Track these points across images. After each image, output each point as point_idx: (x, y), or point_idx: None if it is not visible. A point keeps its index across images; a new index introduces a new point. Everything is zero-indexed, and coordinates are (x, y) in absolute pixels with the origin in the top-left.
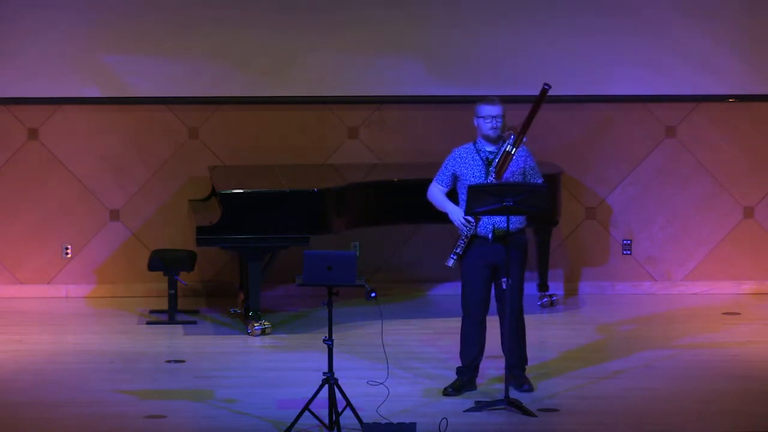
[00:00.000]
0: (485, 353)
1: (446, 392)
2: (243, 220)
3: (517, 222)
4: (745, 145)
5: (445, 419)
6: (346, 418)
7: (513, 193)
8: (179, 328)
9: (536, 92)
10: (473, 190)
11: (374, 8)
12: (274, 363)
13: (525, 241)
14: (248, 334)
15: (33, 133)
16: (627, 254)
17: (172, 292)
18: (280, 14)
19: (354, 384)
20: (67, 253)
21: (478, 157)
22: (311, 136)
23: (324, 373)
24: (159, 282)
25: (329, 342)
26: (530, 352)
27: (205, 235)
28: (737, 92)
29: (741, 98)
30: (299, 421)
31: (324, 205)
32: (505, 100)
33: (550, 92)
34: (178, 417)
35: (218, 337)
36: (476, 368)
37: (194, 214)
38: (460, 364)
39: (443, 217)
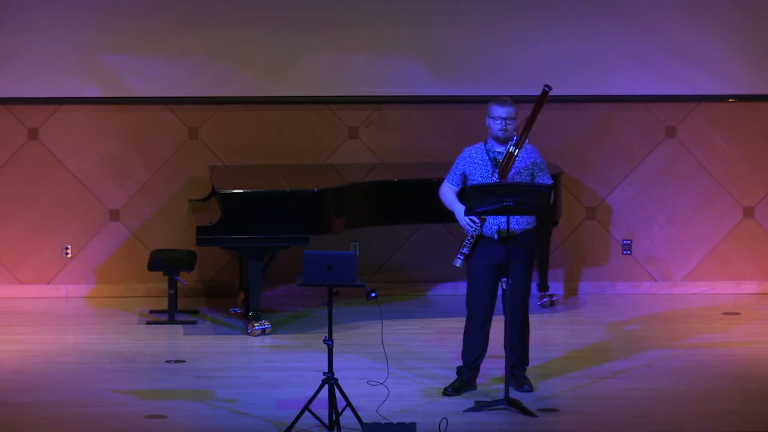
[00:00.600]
0: (486, 353)
1: (446, 392)
2: (243, 220)
3: (524, 223)
4: (745, 145)
5: (445, 419)
6: (346, 418)
7: (513, 193)
8: (179, 328)
9: (536, 92)
10: (473, 189)
11: (374, 8)
12: (274, 363)
13: (531, 241)
14: (248, 334)
15: (33, 133)
16: (627, 254)
17: (172, 292)
18: (280, 14)
19: (354, 384)
20: (67, 253)
21: (487, 157)
22: (311, 136)
23: (324, 373)
24: (159, 282)
25: (329, 342)
26: (530, 352)
27: (205, 235)
28: (737, 92)
29: (741, 98)
30: (299, 421)
31: (324, 205)
32: (490, 100)
33: (551, 92)
34: (178, 417)
35: (218, 337)
36: (477, 368)
37: (194, 214)
38: (461, 364)
39: (443, 217)
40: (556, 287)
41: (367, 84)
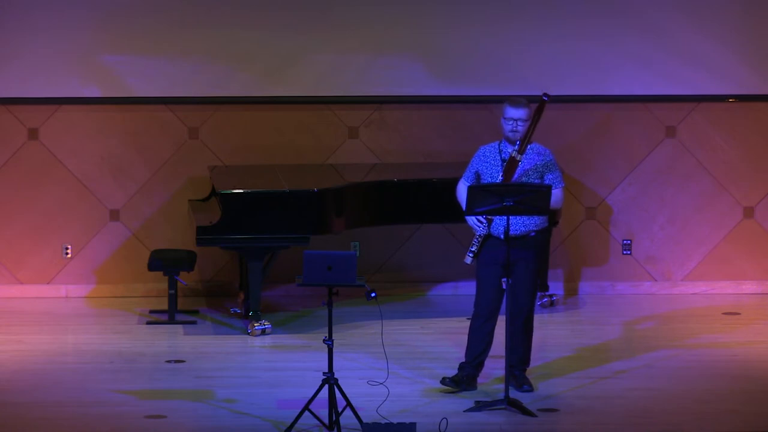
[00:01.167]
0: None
1: (443, 381)
2: (243, 220)
3: (531, 224)
4: (745, 145)
5: (445, 419)
6: (346, 418)
7: (513, 193)
8: (179, 328)
9: (536, 92)
10: (473, 189)
11: (374, 8)
12: (274, 363)
13: (539, 243)
14: (248, 334)
15: (33, 133)
16: (627, 254)
17: (172, 292)
18: (280, 14)
19: (354, 384)
20: (67, 253)
21: (498, 157)
22: (311, 136)
23: (324, 373)
24: (159, 282)
25: (329, 342)
26: (531, 352)
27: (205, 235)
28: (737, 92)
29: (741, 98)
30: (299, 421)
31: (324, 205)
32: (505, 100)
33: (551, 93)
34: (178, 417)
35: (218, 337)
36: (479, 366)
37: (194, 214)
38: (463, 361)
39: (443, 217)
40: (556, 287)
41: (367, 84)
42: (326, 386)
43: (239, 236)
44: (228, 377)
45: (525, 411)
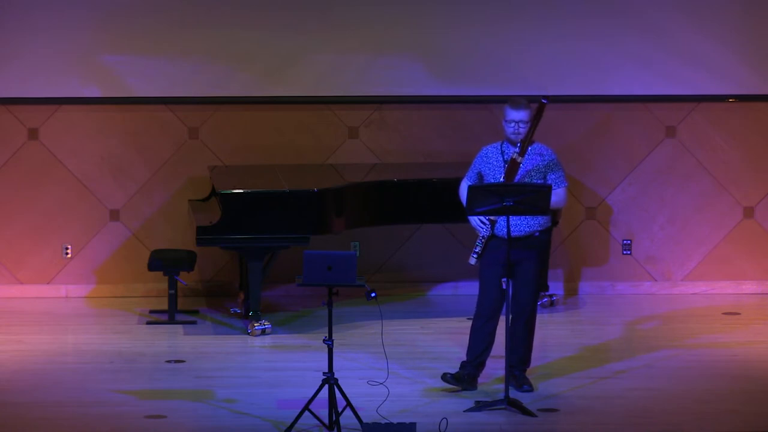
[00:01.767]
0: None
1: (444, 377)
2: (243, 220)
3: (535, 224)
4: (745, 145)
5: (445, 419)
6: (346, 418)
7: (513, 193)
8: (179, 328)
9: (536, 92)
10: (473, 189)
11: (374, 8)
12: (274, 363)
13: (542, 243)
14: (248, 334)
15: (33, 133)
16: (627, 254)
17: (172, 292)
18: (280, 14)
19: (354, 384)
20: (67, 253)
21: (501, 158)
22: (311, 136)
23: (324, 373)
24: (159, 282)
25: (329, 342)
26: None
27: (205, 235)
28: (737, 92)
29: (741, 98)
30: (299, 421)
31: (324, 205)
32: (505, 100)
33: (551, 93)
34: (178, 417)
35: (218, 337)
36: (481, 365)
37: (194, 214)
38: (464, 360)
39: (443, 217)
40: (556, 287)
41: (367, 84)
42: (326, 386)
43: (239, 236)
44: (228, 377)
45: (525, 411)
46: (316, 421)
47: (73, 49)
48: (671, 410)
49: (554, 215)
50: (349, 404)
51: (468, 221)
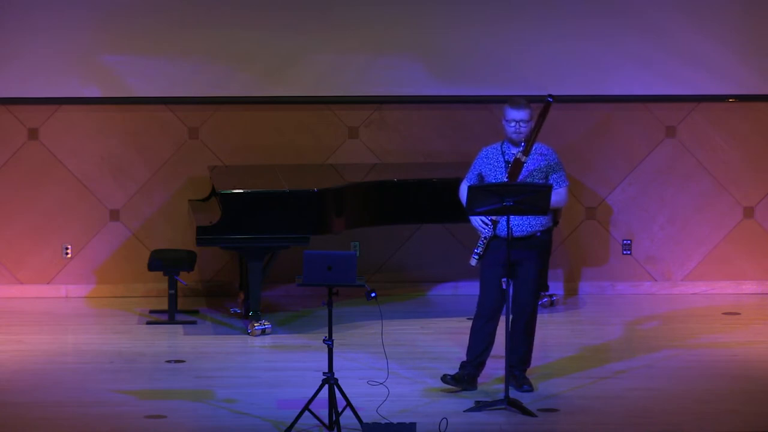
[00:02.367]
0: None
1: (444, 378)
2: (243, 220)
3: (537, 224)
4: (745, 145)
5: (445, 419)
6: (346, 418)
7: (513, 193)
8: (179, 328)
9: (536, 92)
10: (473, 189)
11: (374, 8)
12: (274, 363)
13: (543, 243)
14: (248, 334)
15: (33, 133)
16: (627, 254)
17: (172, 292)
18: (280, 14)
19: (354, 384)
20: (67, 253)
21: (501, 159)
22: (311, 136)
23: (324, 373)
24: (159, 282)
25: (329, 342)
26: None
27: (205, 235)
28: (737, 92)
29: (741, 98)
30: (299, 421)
31: (324, 205)
32: (505, 100)
33: (551, 92)
34: (178, 417)
35: (218, 337)
36: (481, 365)
37: (194, 214)
38: (464, 360)
39: (443, 217)
40: (556, 287)
41: (367, 84)
42: (326, 386)
43: (239, 236)
44: (228, 377)
45: (525, 411)
46: (316, 421)
47: (73, 49)
48: (671, 410)
49: (554, 215)
50: (349, 404)
51: (469, 221)
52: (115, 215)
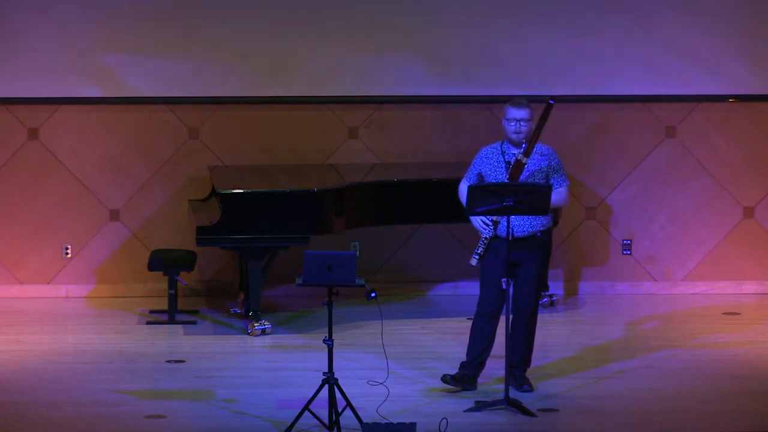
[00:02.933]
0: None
1: (444, 379)
2: (243, 220)
3: (538, 225)
4: (745, 145)
5: (445, 419)
6: (346, 418)
7: (513, 193)
8: (179, 328)
9: (536, 92)
10: (473, 189)
11: (374, 8)
12: (274, 363)
13: (543, 243)
14: (248, 334)
15: (33, 133)
16: (627, 254)
17: (172, 292)
18: (280, 14)
19: (354, 384)
20: (67, 253)
21: (501, 159)
22: (311, 136)
23: (324, 373)
24: (159, 282)
25: (329, 342)
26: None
27: (205, 235)
28: (737, 92)
29: (741, 98)
30: (299, 421)
31: (324, 206)
32: (505, 100)
33: (551, 93)
34: (178, 417)
35: (218, 337)
36: (481, 365)
37: (194, 214)
38: (464, 360)
39: (443, 217)
40: (556, 287)
41: (367, 84)
42: (326, 386)
43: (239, 236)
44: (228, 377)
45: (525, 411)
46: (316, 421)
47: (73, 49)
48: (671, 410)
49: (554, 215)
50: (349, 404)
51: (469, 221)
52: (115, 215)
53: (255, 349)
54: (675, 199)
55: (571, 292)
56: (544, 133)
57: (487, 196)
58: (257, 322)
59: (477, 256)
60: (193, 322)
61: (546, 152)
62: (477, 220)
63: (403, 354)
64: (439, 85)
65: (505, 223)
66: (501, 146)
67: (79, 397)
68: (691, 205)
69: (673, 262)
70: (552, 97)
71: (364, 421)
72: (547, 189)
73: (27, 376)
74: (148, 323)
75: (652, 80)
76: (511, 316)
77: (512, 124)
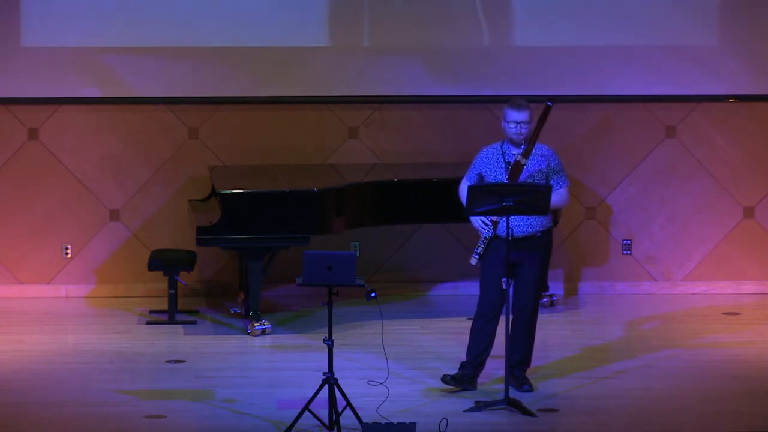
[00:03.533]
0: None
1: (444, 379)
2: (243, 220)
3: (538, 225)
4: (745, 145)
5: (445, 419)
6: (346, 418)
7: (513, 193)
8: (179, 328)
9: (536, 92)
10: (473, 189)
11: (374, 8)
12: (274, 363)
13: (544, 243)
14: (248, 334)
15: (33, 133)
16: (627, 254)
17: (172, 292)
18: (280, 14)
19: (354, 384)
20: (67, 253)
21: (501, 159)
22: (311, 136)
23: (324, 373)
24: (159, 282)
25: (329, 342)
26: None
27: (205, 235)
28: (737, 92)
29: (741, 98)
30: (299, 421)
31: (324, 205)
32: (505, 100)
33: (551, 93)
34: (178, 417)
35: (218, 337)
36: (480, 365)
37: (194, 214)
38: (464, 360)
39: (443, 217)
40: (556, 287)
41: (367, 84)
42: (326, 386)
43: (239, 236)
44: (228, 377)
45: (525, 411)
46: (316, 421)
47: (73, 49)
48: (671, 410)
49: (554, 215)
50: (349, 404)
51: (469, 221)
52: (115, 215)
53: (255, 349)
54: (675, 199)
55: (571, 292)
56: (543, 133)
57: (487, 196)
58: (257, 322)
59: (477, 256)
60: (193, 322)
61: (546, 153)
62: (477, 220)
63: (403, 354)
64: (439, 85)
65: (505, 223)
66: (501, 146)
67: (79, 397)
68: (691, 205)
69: (673, 262)
70: (551, 98)
71: (364, 421)
72: (547, 189)
73: (27, 376)
74: (148, 323)
75: (652, 80)
76: (511, 316)
77: (512, 126)
